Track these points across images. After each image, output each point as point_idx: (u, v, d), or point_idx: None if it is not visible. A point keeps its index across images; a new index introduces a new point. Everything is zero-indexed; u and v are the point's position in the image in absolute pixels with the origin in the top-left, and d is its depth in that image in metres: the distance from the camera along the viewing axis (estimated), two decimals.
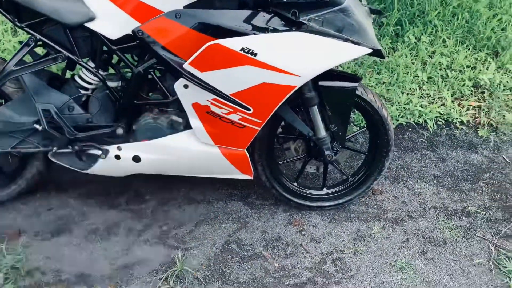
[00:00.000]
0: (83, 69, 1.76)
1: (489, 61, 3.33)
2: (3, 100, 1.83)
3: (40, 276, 1.67)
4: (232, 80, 1.61)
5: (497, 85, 3.13)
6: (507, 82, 3.20)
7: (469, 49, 3.44)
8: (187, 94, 1.67)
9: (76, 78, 1.80)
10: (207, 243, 1.85)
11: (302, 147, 2.03)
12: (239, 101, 1.66)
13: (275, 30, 1.56)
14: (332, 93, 1.78)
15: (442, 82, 3.11)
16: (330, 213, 2.06)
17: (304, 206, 2.05)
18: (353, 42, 1.61)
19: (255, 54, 1.56)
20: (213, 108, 1.69)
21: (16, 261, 1.70)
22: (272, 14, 1.59)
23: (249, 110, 1.68)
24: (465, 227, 2.02)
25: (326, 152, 1.86)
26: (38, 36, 1.64)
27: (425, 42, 3.42)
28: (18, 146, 1.78)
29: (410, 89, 3.02)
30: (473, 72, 3.20)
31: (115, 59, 1.81)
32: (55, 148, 1.76)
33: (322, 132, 1.83)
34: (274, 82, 1.62)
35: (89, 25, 1.60)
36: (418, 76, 3.13)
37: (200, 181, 2.16)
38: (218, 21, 1.58)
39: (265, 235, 1.92)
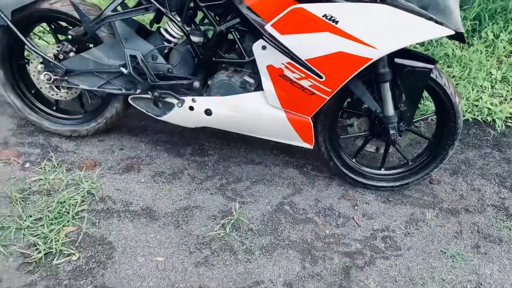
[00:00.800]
0: (169, 23, 1.86)
1: None
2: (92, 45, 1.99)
3: (111, 203, 1.83)
4: (310, 45, 1.65)
5: None
6: None
7: None
8: (264, 56, 1.74)
9: (162, 30, 1.91)
10: (263, 201, 1.93)
11: (365, 125, 2.05)
12: (313, 68, 1.70)
13: (359, 0, 1.58)
14: (407, 72, 1.77)
15: None
16: (384, 194, 2.07)
17: (359, 183, 2.07)
18: (436, 21, 1.60)
19: (337, 22, 1.58)
20: (286, 72, 1.74)
21: (91, 188, 1.87)
22: None
23: (321, 77, 1.71)
24: None
25: (392, 132, 1.86)
26: None
27: (504, 40, 3.27)
28: (104, 86, 1.93)
29: (481, 86, 2.92)
30: None
31: (198, 17, 1.90)
32: (138, 91, 1.89)
33: (391, 110, 1.84)
34: (351, 52, 1.64)
35: None
36: (491, 74, 3.02)
37: (260, 145, 2.23)
38: None
39: (318, 204, 1.97)
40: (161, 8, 1.79)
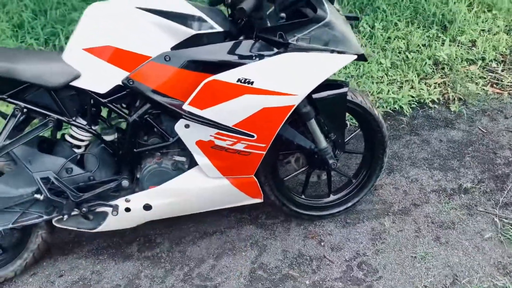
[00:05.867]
0: (74, 127, 1.68)
1: (441, 37, 3.51)
2: None
3: None
4: (233, 111, 1.60)
5: (454, 59, 3.31)
6: (461, 54, 3.39)
7: (420, 28, 3.60)
8: (190, 134, 1.65)
9: (67, 137, 1.71)
10: (234, 275, 1.84)
11: (302, 158, 2.05)
12: (243, 130, 1.65)
13: (261, 56, 1.57)
14: (326, 103, 1.81)
15: (405, 65, 3.24)
16: (341, 218, 2.10)
17: (315, 217, 2.07)
18: (339, 52, 1.66)
19: (252, 83, 1.56)
20: (218, 142, 1.67)
21: None
22: (257, 39, 1.60)
23: (253, 137, 1.68)
24: (467, 204, 2.13)
25: (330, 161, 1.89)
26: (23, 105, 1.55)
27: (379, 28, 3.55)
28: (20, 219, 1.67)
29: (377, 77, 3.12)
30: (430, 50, 3.36)
31: (104, 111, 1.74)
32: (65, 216, 1.67)
33: (324, 143, 1.86)
34: (274, 105, 1.63)
35: (75, 83, 1.53)
36: (381, 64, 3.24)
37: (207, 213, 2.13)
38: (207, 57, 1.57)
39: (287, 254, 1.92)
40: (61, 118, 1.60)
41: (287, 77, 1.60)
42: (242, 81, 1.55)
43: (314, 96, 1.78)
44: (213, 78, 1.53)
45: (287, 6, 1.73)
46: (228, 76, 1.54)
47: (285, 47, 1.60)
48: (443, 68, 3.28)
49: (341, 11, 1.87)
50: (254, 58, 1.58)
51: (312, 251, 1.94)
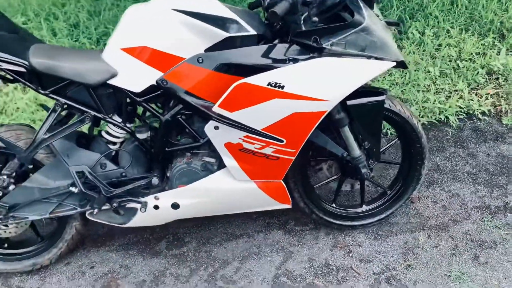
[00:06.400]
0: (110, 124, 1.74)
1: (497, 45, 3.31)
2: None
3: None
4: (262, 115, 1.59)
5: (510, 69, 3.10)
6: None
7: (474, 35, 3.41)
8: (219, 135, 1.66)
9: (104, 134, 1.78)
10: (257, 280, 1.82)
11: (335, 166, 2.01)
12: (271, 135, 1.64)
13: (295, 60, 1.55)
14: (362, 111, 1.75)
15: (455, 74, 3.08)
16: (373, 229, 2.03)
17: (346, 227, 2.02)
18: (376, 58, 1.61)
19: (283, 87, 1.54)
20: (246, 145, 1.67)
21: None
22: (291, 43, 1.58)
23: (281, 141, 1.66)
24: None
25: (363, 170, 1.83)
26: (63, 101, 1.63)
27: (429, 35, 3.40)
28: (56, 210, 1.76)
29: (424, 86, 2.99)
30: (484, 59, 3.17)
31: (139, 109, 1.79)
32: (95, 210, 1.74)
33: (357, 151, 1.81)
34: (304, 111, 1.60)
35: (112, 82, 1.59)
36: (429, 72, 3.11)
37: (236, 214, 2.13)
38: (240, 60, 1.57)
39: (313, 263, 1.88)
40: (97, 114, 1.67)
41: (319, 82, 1.57)
42: (273, 85, 1.54)
43: (349, 102, 1.73)
44: (244, 81, 1.53)
45: (324, 11, 1.70)
46: (259, 80, 1.53)
47: (319, 51, 1.57)
48: (497, 79, 3.08)
49: (381, 16, 1.80)
50: (287, 62, 1.57)
51: (339, 261, 1.88)
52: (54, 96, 1.62)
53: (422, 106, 2.82)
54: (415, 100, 2.85)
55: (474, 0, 3.75)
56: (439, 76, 3.09)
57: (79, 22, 3.61)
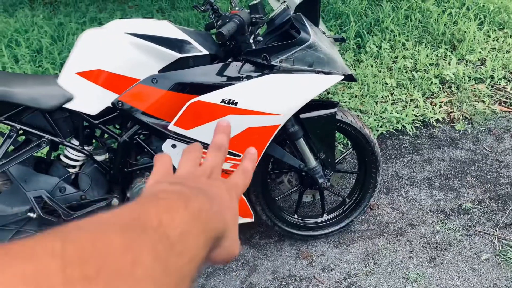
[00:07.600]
0: (68, 148, 1.75)
1: (449, 56, 3.48)
2: None
3: None
4: None
5: (461, 78, 3.27)
6: (470, 73, 3.34)
7: (428, 47, 3.59)
8: (176, 153, 1.69)
9: (62, 157, 1.79)
10: None
11: (295, 177, 2.07)
12: (228, 150, 1.68)
13: (249, 77, 1.62)
14: (314, 123, 1.83)
15: (411, 85, 3.22)
16: (334, 238, 2.08)
17: (308, 237, 2.07)
18: (324, 72, 1.69)
19: (236, 103, 1.60)
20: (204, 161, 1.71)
21: None
22: (243, 62, 1.65)
23: (239, 156, 1.71)
24: (465, 225, 2.08)
25: (320, 180, 1.90)
26: (19, 126, 1.63)
27: (386, 48, 3.55)
28: (15, 237, 1.74)
29: (382, 97, 3.12)
30: (437, 69, 3.33)
31: (97, 132, 1.81)
32: None
33: (313, 162, 1.87)
34: (259, 125, 1.66)
35: (68, 105, 1.61)
36: (387, 83, 3.24)
37: None
38: (193, 79, 1.62)
39: (277, 274, 1.92)
40: (54, 139, 1.68)
41: (271, 97, 1.64)
42: (226, 101, 1.59)
43: (302, 115, 1.80)
44: (198, 99, 1.58)
45: (273, 30, 1.79)
46: (212, 97, 1.58)
47: (270, 69, 1.64)
48: (450, 87, 3.24)
49: (327, 33, 1.90)
50: (241, 79, 1.63)
51: (302, 271, 1.92)
52: (8, 122, 1.62)
53: (381, 117, 2.93)
54: (373, 111, 2.96)
55: (427, 14, 3.95)
56: (396, 87, 3.22)
57: (42, 48, 3.60)
